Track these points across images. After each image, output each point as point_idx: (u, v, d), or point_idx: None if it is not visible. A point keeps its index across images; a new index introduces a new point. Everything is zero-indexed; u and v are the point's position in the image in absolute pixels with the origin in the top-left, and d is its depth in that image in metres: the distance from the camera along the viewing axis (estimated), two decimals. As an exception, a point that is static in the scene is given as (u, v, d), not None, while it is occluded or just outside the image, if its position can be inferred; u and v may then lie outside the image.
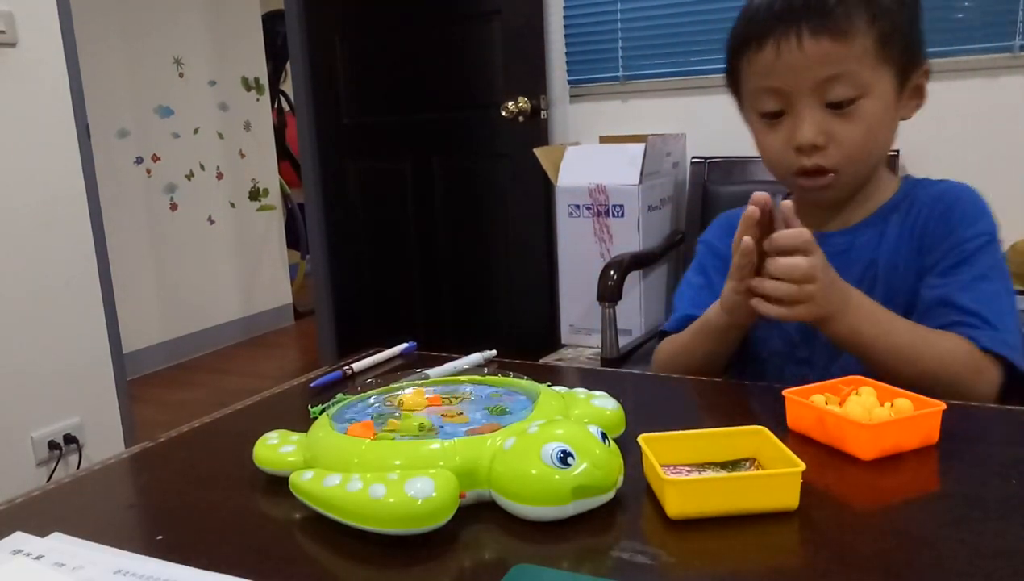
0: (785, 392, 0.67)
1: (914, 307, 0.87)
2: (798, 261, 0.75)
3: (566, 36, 2.59)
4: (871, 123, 0.84)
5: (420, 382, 0.73)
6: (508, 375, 0.71)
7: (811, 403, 0.65)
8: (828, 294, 0.76)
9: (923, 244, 0.89)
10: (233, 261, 4.09)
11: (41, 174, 2.17)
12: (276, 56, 4.60)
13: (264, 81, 4.26)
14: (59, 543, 0.53)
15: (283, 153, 4.69)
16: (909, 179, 0.94)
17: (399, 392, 0.70)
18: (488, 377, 0.73)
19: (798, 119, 0.84)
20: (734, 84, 0.94)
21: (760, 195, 0.79)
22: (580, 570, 0.48)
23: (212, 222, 3.97)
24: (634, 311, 2.24)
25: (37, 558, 0.51)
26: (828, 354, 0.90)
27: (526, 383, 0.69)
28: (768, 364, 0.95)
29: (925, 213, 0.90)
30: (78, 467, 2.26)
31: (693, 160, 2.38)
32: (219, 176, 4.00)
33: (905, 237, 0.90)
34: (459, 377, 0.74)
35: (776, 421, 0.66)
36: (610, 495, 0.54)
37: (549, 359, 2.27)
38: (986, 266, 0.85)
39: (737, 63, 0.90)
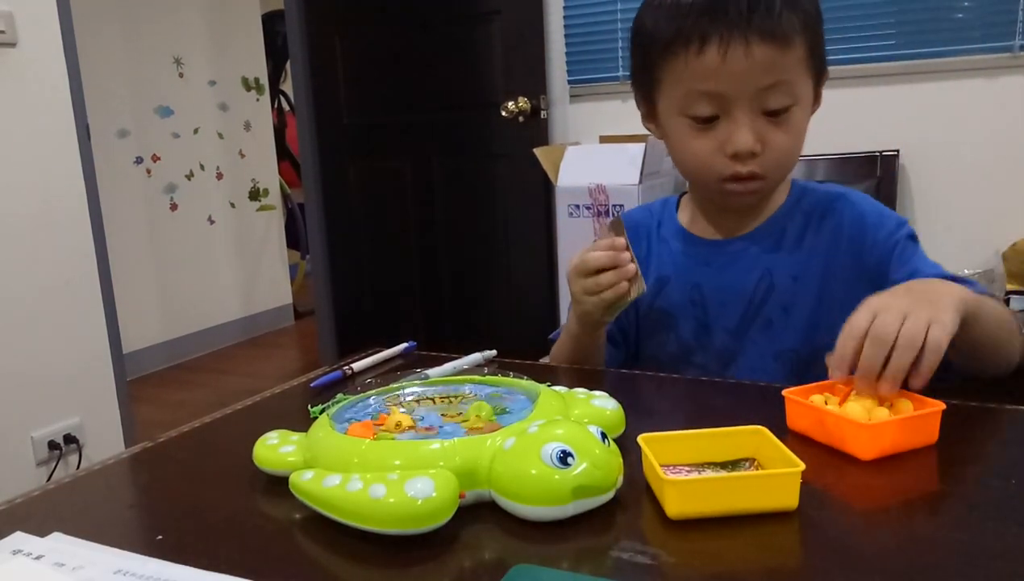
0: (785, 392, 0.67)
1: (821, 314, 0.89)
2: (859, 320, 0.66)
3: (566, 36, 2.59)
4: (799, 130, 0.86)
5: (420, 382, 0.73)
6: (508, 375, 0.71)
7: (811, 403, 0.65)
8: (919, 305, 0.66)
9: (853, 251, 0.89)
10: (233, 261, 4.09)
11: (41, 174, 2.17)
12: (276, 56, 4.60)
13: (264, 81, 4.26)
14: (59, 543, 0.53)
15: (283, 153, 4.69)
16: (797, 184, 0.96)
17: (397, 394, 0.70)
18: (488, 377, 0.73)
19: (735, 125, 0.83)
20: (647, 85, 0.91)
21: (604, 241, 0.84)
22: (580, 570, 0.48)
23: (212, 222, 3.97)
24: (634, 311, 2.24)
25: (37, 558, 0.51)
26: (721, 360, 0.93)
27: (526, 383, 0.69)
28: (666, 368, 0.95)
29: (832, 224, 0.91)
30: (78, 467, 2.26)
31: (693, 160, 2.38)
32: (219, 176, 4.00)
33: (811, 248, 0.91)
34: (459, 377, 0.74)
35: (776, 421, 0.66)
36: (610, 495, 0.54)
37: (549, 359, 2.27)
38: (921, 250, 0.89)
39: (661, 61, 0.86)
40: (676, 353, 0.96)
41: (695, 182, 0.95)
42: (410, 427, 0.61)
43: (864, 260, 0.89)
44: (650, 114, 0.95)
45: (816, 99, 0.89)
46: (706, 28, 0.81)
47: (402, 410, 0.66)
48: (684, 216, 1.00)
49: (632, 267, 0.82)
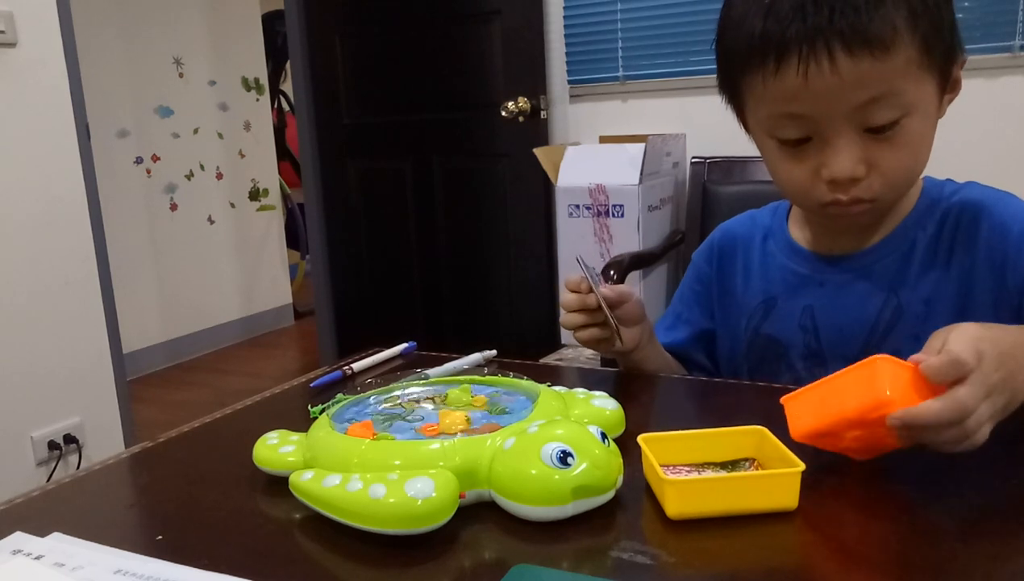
0: (784, 400, 0.62)
1: None
2: (953, 408, 0.53)
3: (566, 36, 2.59)
4: (916, 143, 0.72)
5: (420, 382, 0.73)
6: (508, 375, 0.71)
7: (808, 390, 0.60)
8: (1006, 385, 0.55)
9: (994, 271, 0.76)
10: (233, 261, 4.09)
11: (41, 174, 2.17)
12: (276, 56, 4.60)
13: (264, 81, 4.26)
14: (59, 543, 0.53)
15: (283, 153, 4.69)
16: (932, 183, 0.83)
17: (396, 393, 0.70)
18: (488, 377, 0.73)
19: (831, 149, 0.71)
20: (734, 98, 0.79)
21: (572, 279, 0.80)
22: (580, 570, 0.48)
23: (212, 222, 3.97)
24: (634, 311, 2.24)
25: (37, 558, 0.51)
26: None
27: (526, 383, 0.69)
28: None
29: (969, 235, 0.78)
30: (78, 467, 2.26)
31: (693, 160, 2.38)
32: (219, 176, 4.00)
33: (946, 264, 0.78)
34: (459, 377, 0.74)
35: (777, 421, 0.66)
36: (610, 495, 0.54)
37: (549, 359, 2.27)
38: None
39: (740, 78, 0.75)
40: (792, 386, 0.82)
41: (796, 204, 0.84)
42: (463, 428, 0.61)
43: (1007, 282, 0.75)
44: (742, 122, 0.82)
45: (954, 86, 0.75)
46: (782, 40, 0.68)
47: (421, 411, 0.65)
48: (795, 226, 0.88)
49: (598, 314, 0.80)
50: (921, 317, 0.78)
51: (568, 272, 2.33)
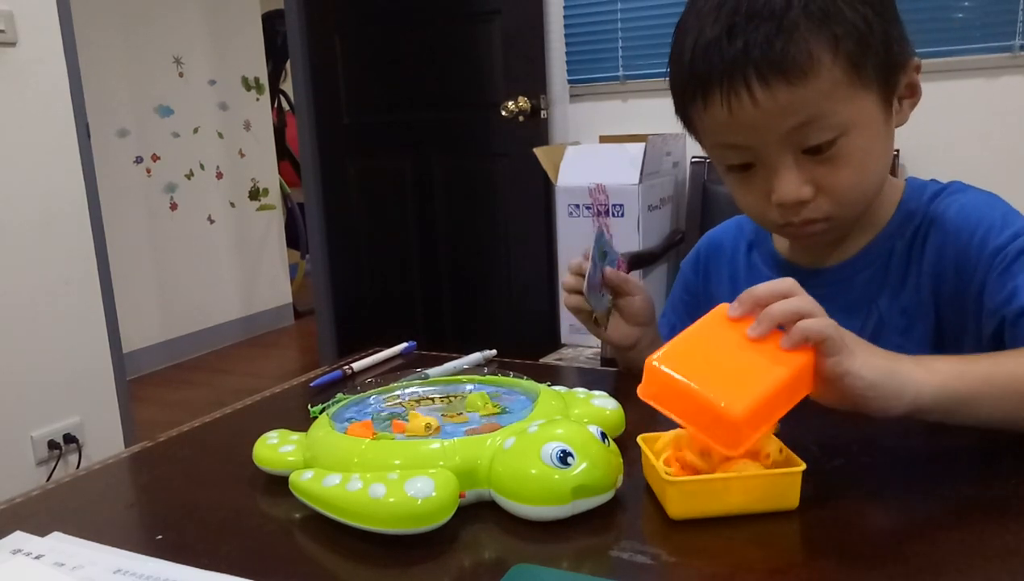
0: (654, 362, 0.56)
1: (942, 349, 0.75)
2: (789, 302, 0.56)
3: (566, 36, 2.59)
4: (860, 158, 0.71)
5: (420, 382, 0.73)
6: (508, 375, 0.71)
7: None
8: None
9: (960, 274, 0.74)
10: (233, 261, 4.09)
11: (41, 174, 2.17)
12: (276, 56, 4.60)
13: (264, 81, 4.26)
14: (59, 543, 0.53)
15: (283, 153, 4.69)
16: (913, 186, 0.81)
17: (396, 393, 0.70)
18: (488, 377, 0.73)
19: (775, 175, 0.71)
20: (687, 129, 0.79)
21: (575, 262, 0.82)
22: (580, 570, 0.48)
23: (212, 222, 3.97)
24: (634, 311, 2.24)
25: (37, 558, 0.51)
26: None
27: (526, 383, 0.69)
28: None
29: (938, 238, 0.76)
30: (78, 467, 2.26)
31: (693, 160, 2.38)
32: (219, 176, 4.00)
33: (920, 272, 0.77)
34: (459, 377, 0.74)
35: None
36: (610, 495, 0.54)
37: (549, 359, 2.27)
38: None
39: (683, 111, 0.76)
40: None
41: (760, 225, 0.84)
42: (437, 430, 0.61)
43: (971, 284, 0.73)
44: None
45: (907, 92, 0.74)
46: (705, 76, 0.69)
47: (421, 411, 0.65)
48: (778, 237, 0.87)
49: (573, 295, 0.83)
50: (900, 328, 0.77)
51: (567, 272, 2.33)
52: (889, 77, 0.71)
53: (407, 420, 0.62)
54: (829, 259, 0.82)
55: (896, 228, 0.79)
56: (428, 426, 0.59)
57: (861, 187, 0.73)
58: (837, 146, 0.69)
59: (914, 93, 0.75)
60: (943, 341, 0.76)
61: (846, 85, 0.68)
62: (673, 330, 0.96)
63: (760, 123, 0.68)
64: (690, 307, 0.96)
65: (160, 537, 0.55)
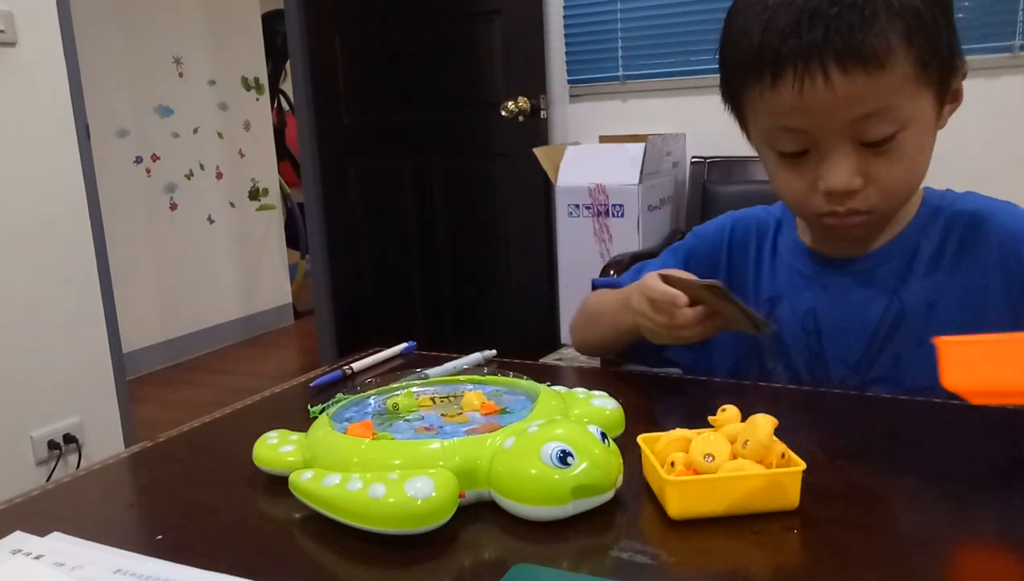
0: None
1: None
2: None
3: (566, 36, 2.59)
4: (913, 156, 0.73)
5: (420, 382, 0.73)
6: (508, 375, 0.71)
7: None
8: None
9: (1005, 276, 0.77)
10: (233, 261, 4.09)
11: (41, 174, 2.17)
12: (276, 56, 4.60)
13: (264, 81, 4.26)
14: (59, 543, 0.53)
15: (283, 153, 4.69)
16: (932, 193, 0.84)
17: (396, 394, 0.70)
18: (488, 377, 0.73)
19: (827, 162, 0.72)
20: (736, 109, 0.80)
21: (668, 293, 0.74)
22: (580, 570, 0.48)
23: (212, 222, 3.97)
24: (634, 311, 2.24)
25: (37, 558, 0.51)
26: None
27: (526, 383, 0.69)
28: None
29: (977, 242, 0.78)
30: (78, 467, 2.26)
31: (693, 160, 2.38)
32: (219, 176, 4.00)
33: (950, 270, 0.79)
34: (459, 377, 0.74)
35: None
36: (610, 495, 0.54)
37: (549, 359, 2.27)
38: None
39: (740, 90, 0.76)
40: (791, 387, 0.82)
41: (794, 213, 0.84)
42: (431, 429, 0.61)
43: (1013, 287, 0.76)
44: (743, 128, 0.82)
45: (955, 97, 0.76)
46: (777, 55, 0.69)
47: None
48: (801, 225, 0.88)
49: (686, 322, 0.74)
50: (923, 320, 0.78)
51: (568, 271, 2.33)
52: (944, 79, 0.73)
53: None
54: (851, 250, 0.82)
55: (920, 227, 0.81)
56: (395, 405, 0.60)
57: (909, 183, 0.75)
58: (895, 140, 0.70)
59: (956, 99, 0.77)
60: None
61: (913, 81, 0.69)
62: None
63: (828, 109, 0.69)
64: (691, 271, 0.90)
65: (160, 537, 0.55)
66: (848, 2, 0.67)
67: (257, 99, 4.22)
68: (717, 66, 0.80)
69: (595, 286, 0.96)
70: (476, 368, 0.89)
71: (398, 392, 0.70)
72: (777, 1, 0.70)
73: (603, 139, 2.54)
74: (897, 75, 0.68)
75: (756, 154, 0.82)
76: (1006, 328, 0.63)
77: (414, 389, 0.71)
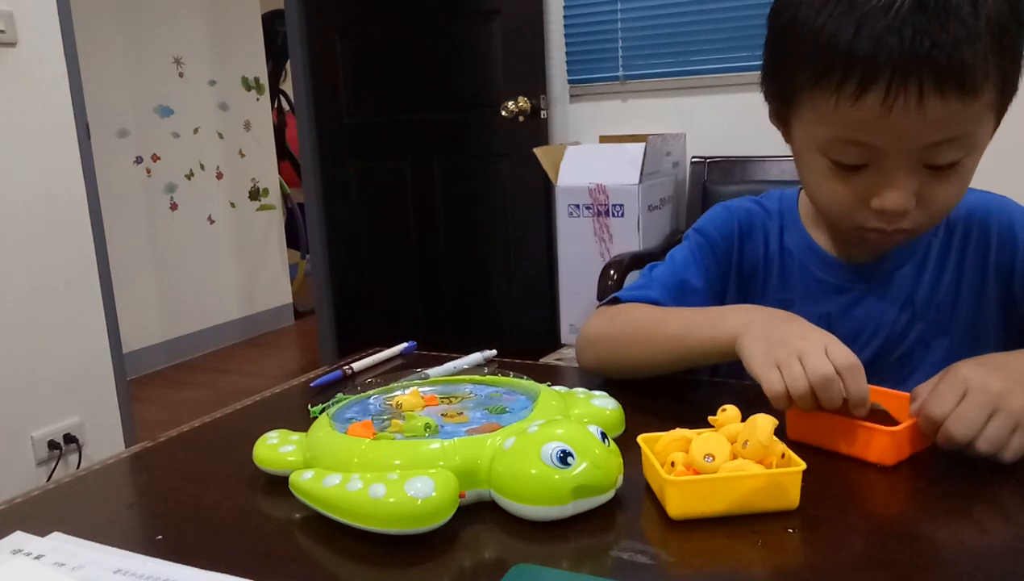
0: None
1: (964, 350, 0.74)
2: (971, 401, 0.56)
3: (566, 36, 2.59)
4: (967, 179, 0.70)
5: (420, 382, 0.73)
6: (508, 375, 0.71)
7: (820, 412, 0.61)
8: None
9: (1001, 275, 0.77)
10: (233, 261, 4.09)
11: (41, 174, 2.17)
12: (276, 56, 4.60)
13: (264, 81, 4.26)
14: (59, 543, 0.53)
15: (283, 153, 4.69)
16: None
17: (396, 393, 0.70)
18: (488, 377, 0.73)
19: (888, 181, 0.67)
20: (786, 104, 0.73)
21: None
22: (580, 570, 0.48)
23: (212, 222, 3.97)
24: (634, 311, 2.23)
25: (37, 558, 0.51)
26: None
27: (526, 383, 0.69)
28: None
29: (977, 239, 0.78)
30: (78, 467, 2.26)
31: (693, 160, 2.38)
32: (219, 176, 4.00)
33: (956, 269, 0.79)
34: (459, 377, 0.74)
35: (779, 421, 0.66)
36: (610, 495, 0.54)
37: (549, 359, 2.27)
38: None
39: (803, 86, 0.68)
40: None
41: (830, 222, 0.79)
42: (436, 430, 0.60)
43: (1013, 287, 0.76)
44: (780, 122, 0.77)
45: (997, 120, 0.71)
46: (872, 63, 0.61)
47: (418, 413, 0.65)
48: (812, 226, 0.85)
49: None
50: (932, 322, 0.78)
51: (568, 271, 2.33)
52: (1006, 106, 0.69)
53: (404, 420, 0.62)
54: (868, 255, 0.81)
55: (931, 231, 0.79)
56: (428, 426, 0.59)
57: (955, 204, 0.72)
58: (958, 164, 0.67)
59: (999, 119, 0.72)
60: (966, 338, 0.77)
61: (990, 108, 0.66)
62: (687, 288, 0.85)
63: (910, 130, 0.63)
64: (713, 273, 0.87)
65: (160, 537, 0.55)
66: (953, 12, 0.60)
67: (257, 99, 4.22)
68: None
69: (620, 300, 0.85)
70: (476, 368, 0.89)
71: (398, 392, 0.70)
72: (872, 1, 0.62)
73: (603, 139, 2.54)
74: (983, 102, 0.64)
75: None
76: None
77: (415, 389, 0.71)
